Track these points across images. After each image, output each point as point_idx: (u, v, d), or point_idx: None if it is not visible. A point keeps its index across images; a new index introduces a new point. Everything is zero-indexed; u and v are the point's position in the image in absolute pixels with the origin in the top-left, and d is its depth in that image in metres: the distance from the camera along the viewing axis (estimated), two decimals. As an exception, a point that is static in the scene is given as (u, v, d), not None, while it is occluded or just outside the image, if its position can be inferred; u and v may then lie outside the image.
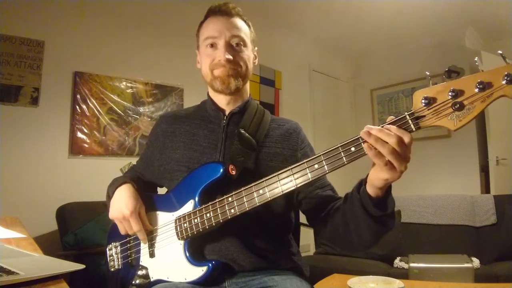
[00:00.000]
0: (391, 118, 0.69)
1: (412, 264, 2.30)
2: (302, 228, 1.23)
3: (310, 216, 0.99)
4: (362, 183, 0.78)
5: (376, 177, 0.71)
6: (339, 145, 0.71)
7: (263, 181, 0.79)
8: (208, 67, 1.00)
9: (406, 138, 0.66)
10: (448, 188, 3.64)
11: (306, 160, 0.75)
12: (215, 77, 1.00)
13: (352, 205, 0.80)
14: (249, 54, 1.03)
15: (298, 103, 4.13)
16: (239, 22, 1.01)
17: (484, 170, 3.77)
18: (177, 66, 3.05)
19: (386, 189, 0.76)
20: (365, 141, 0.68)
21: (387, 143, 0.66)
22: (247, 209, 0.81)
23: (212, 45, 0.99)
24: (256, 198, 0.80)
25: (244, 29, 1.02)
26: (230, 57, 0.97)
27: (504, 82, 0.60)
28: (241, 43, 1.00)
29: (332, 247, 2.80)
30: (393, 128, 0.67)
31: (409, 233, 2.80)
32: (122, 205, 0.93)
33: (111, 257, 1.04)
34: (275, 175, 0.78)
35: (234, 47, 0.99)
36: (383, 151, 0.66)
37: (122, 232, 0.96)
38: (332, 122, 4.46)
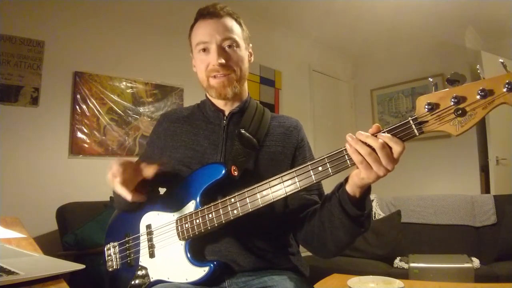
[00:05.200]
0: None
1: (412, 264, 2.30)
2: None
3: (288, 215, 0.98)
4: (343, 183, 0.80)
5: (356, 173, 0.74)
6: (343, 148, 0.72)
7: (266, 182, 0.79)
8: (204, 73, 1.00)
9: (398, 147, 0.68)
10: (448, 188, 3.64)
11: (311, 163, 0.75)
12: (211, 86, 0.99)
13: (330, 203, 0.82)
14: (242, 54, 1.01)
15: (298, 103, 4.13)
16: (229, 22, 0.99)
17: (484, 170, 3.77)
18: (177, 66, 3.04)
19: (365, 190, 0.77)
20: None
21: (367, 145, 0.69)
22: (250, 210, 0.80)
23: (205, 50, 0.98)
24: (259, 199, 0.80)
25: (236, 29, 1.00)
26: (223, 61, 0.96)
27: (505, 90, 0.62)
28: (233, 44, 0.98)
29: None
30: (382, 135, 0.69)
31: (409, 233, 2.80)
32: None
33: (110, 257, 1.03)
34: (279, 177, 0.78)
35: (226, 50, 0.98)
36: (362, 152, 0.69)
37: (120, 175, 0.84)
38: (332, 122, 4.46)
